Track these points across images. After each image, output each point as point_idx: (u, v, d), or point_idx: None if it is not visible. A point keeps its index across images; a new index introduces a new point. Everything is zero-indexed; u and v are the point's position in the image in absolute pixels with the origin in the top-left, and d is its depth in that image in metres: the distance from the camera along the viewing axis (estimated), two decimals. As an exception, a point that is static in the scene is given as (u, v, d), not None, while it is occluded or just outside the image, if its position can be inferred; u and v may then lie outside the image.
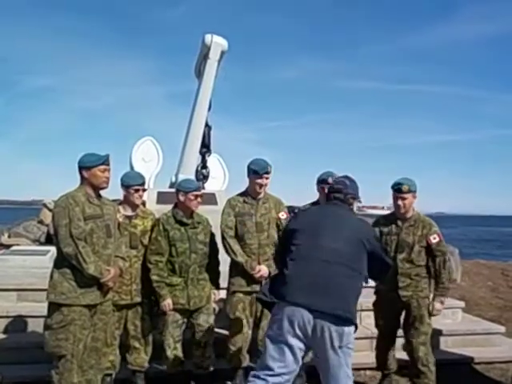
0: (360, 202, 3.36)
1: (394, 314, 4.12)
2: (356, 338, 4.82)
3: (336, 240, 2.93)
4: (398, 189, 3.98)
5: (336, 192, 3.21)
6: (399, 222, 4.06)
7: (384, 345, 4.27)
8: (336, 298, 2.78)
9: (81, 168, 3.51)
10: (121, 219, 3.92)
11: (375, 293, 4.25)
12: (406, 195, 3.96)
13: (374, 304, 4.30)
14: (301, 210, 3.48)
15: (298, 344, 2.80)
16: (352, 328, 2.85)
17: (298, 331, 2.77)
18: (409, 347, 4.09)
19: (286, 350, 2.79)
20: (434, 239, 4.01)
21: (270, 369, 2.80)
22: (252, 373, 2.90)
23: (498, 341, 5.42)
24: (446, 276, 4.03)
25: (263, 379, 2.81)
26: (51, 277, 3.47)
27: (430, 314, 4.03)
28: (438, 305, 4.02)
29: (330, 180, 4.21)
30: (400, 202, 3.99)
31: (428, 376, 3.98)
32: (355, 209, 3.32)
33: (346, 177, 3.31)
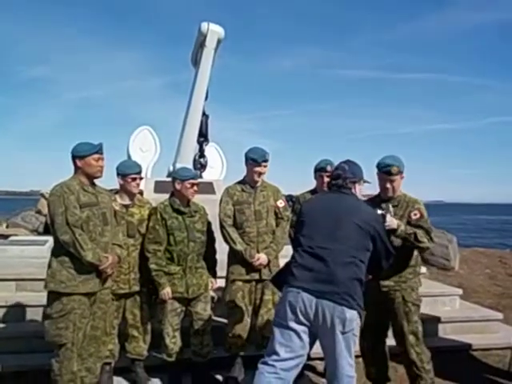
0: (367, 182, 3.29)
1: (375, 306, 3.66)
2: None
3: (338, 229, 2.92)
4: (386, 171, 3.63)
5: (335, 179, 3.16)
6: (383, 204, 3.68)
7: (368, 345, 3.87)
8: (338, 284, 2.80)
9: (74, 157, 3.50)
10: (117, 208, 3.91)
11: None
12: (394, 177, 3.64)
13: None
14: (304, 201, 3.35)
15: (302, 328, 2.83)
16: (355, 313, 2.83)
17: (300, 316, 2.81)
18: (400, 349, 3.74)
19: (292, 334, 2.83)
20: (415, 215, 3.63)
21: (277, 354, 2.84)
22: (261, 360, 2.92)
23: (495, 327, 5.45)
24: (422, 239, 3.55)
25: (271, 365, 2.85)
26: (49, 265, 3.47)
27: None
28: (392, 218, 3.52)
29: (329, 168, 4.21)
30: (388, 185, 3.66)
31: (424, 377, 3.67)
32: (358, 192, 3.19)
33: (346, 161, 3.24)
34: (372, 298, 3.64)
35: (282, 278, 3.03)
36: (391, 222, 3.49)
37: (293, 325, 2.83)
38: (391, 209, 3.58)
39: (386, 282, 3.66)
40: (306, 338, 2.85)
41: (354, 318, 2.82)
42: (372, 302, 3.65)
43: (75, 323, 3.40)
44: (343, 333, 2.79)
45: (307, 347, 2.89)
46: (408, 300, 3.66)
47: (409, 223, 3.61)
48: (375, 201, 3.76)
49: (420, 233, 3.56)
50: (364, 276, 2.96)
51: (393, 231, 3.51)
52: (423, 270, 5.84)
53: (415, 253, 3.74)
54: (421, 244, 3.57)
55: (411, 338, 3.65)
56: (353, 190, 3.15)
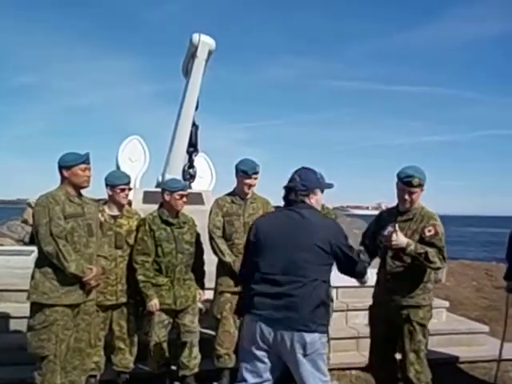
0: (329, 186, 3.07)
1: (383, 320, 3.62)
2: (342, 338, 4.97)
3: (297, 252, 2.77)
4: (407, 182, 3.44)
5: (287, 193, 2.95)
6: (398, 216, 3.57)
7: (376, 358, 3.77)
8: (297, 311, 2.70)
9: (61, 167, 3.47)
10: (105, 219, 3.89)
11: (372, 296, 3.84)
12: (415, 189, 3.45)
13: (369, 308, 3.89)
14: (258, 218, 3.18)
15: (263, 354, 2.79)
16: (316, 335, 2.73)
17: (260, 343, 2.76)
18: (401, 365, 3.64)
19: (255, 359, 2.79)
20: (429, 231, 3.44)
21: (245, 380, 2.81)
22: None
23: (482, 340, 5.48)
24: (433, 259, 3.40)
25: None
26: (33, 277, 3.43)
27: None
28: (401, 236, 3.39)
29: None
30: (407, 197, 3.47)
31: None
32: (316, 202, 2.95)
33: (298, 171, 2.99)
34: (381, 312, 3.63)
35: (243, 306, 2.94)
36: (399, 240, 3.37)
37: (255, 351, 2.78)
38: (397, 227, 3.40)
39: (395, 297, 3.53)
40: (269, 361, 2.80)
41: (315, 340, 2.73)
42: (381, 316, 3.63)
43: (58, 335, 3.35)
44: (305, 355, 2.72)
45: (275, 369, 2.84)
46: (413, 319, 3.50)
47: (422, 239, 3.45)
48: (392, 212, 3.67)
49: (432, 252, 3.39)
50: (323, 294, 2.80)
51: (402, 250, 3.41)
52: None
53: (428, 269, 3.55)
54: (432, 264, 3.43)
55: (412, 355, 3.52)
56: (308, 202, 2.92)
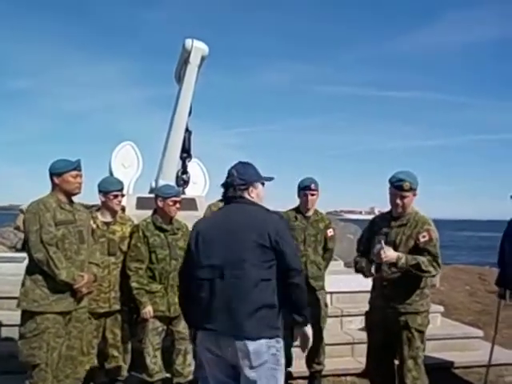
0: (268, 179, 2.83)
1: (381, 326, 3.58)
2: (337, 344, 4.95)
3: (235, 252, 2.53)
4: (398, 186, 3.44)
5: (226, 190, 2.73)
6: (392, 221, 3.55)
7: (373, 364, 3.73)
8: (238, 317, 2.47)
9: (52, 174, 3.46)
10: (98, 225, 3.87)
11: (368, 302, 3.80)
12: (406, 193, 3.44)
13: (365, 314, 3.84)
14: (196, 222, 2.87)
15: (218, 366, 2.58)
16: (260, 343, 2.46)
17: (209, 355, 2.57)
18: (398, 371, 3.59)
19: (211, 376, 2.59)
20: (424, 237, 3.42)
21: None
22: None
23: (476, 345, 5.48)
24: (426, 268, 3.38)
25: None
26: (23, 284, 3.41)
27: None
28: (389, 252, 3.37)
29: (313, 186, 4.23)
30: (399, 201, 3.45)
31: None
32: (256, 196, 2.72)
33: (235, 165, 2.77)
34: (378, 319, 3.60)
35: (189, 322, 2.81)
36: (388, 256, 3.36)
37: (208, 364, 2.59)
38: (383, 244, 3.39)
39: (392, 304, 3.48)
40: (226, 371, 2.58)
41: (260, 348, 2.46)
42: (378, 323, 3.60)
43: (49, 343, 3.32)
44: (252, 367, 2.46)
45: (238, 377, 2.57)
46: (412, 326, 3.46)
47: (416, 245, 3.44)
48: (385, 218, 3.66)
49: (425, 261, 3.37)
50: (274, 294, 2.54)
51: (393, 264, 3.39)
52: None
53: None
54: (425, 274, 3.41)
55: (410, 362, 3.48)
56: (248, 197, 2.69)
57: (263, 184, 2.80)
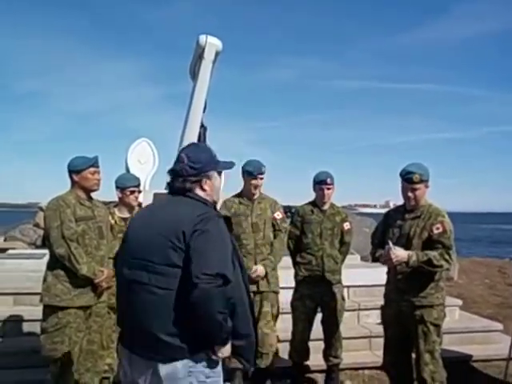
0: (228, 167, 2.33)
1: (397, 321, 3.57)
2: (354, 338, 4.95)
3: (148, 253, 2.05)
4: (408, 178, 3.42)
5: (173, 179, 2.21)
6: (406, 214, 3.54)
7: (390, 358, 3.71)
8: (146, 332, 2.00)
9: (71, 171, 3.51)
10: (116, 221, 3.92)
11: (384, 295, 3.77)
12: (417, 186, 3.41)
13: (381, 308, 3.82)
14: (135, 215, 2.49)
15: None
16: (175, 365, 1.96)
17: (130, 374, 2.11)
18: (415, 365, 3.56)
19: None
20: (437, 229, 3.38)
21: None
22: None
23: (496, 338, 5.42)
24: (438, 263, 3.34)
25: None
26: (45, 279, 3.47)
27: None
28: (399, 252, 3.35)
29: (329, 180, 4.22)
30: (410, 194, 3.43)
31: None
32: (211, 189, 2.20)
33: (185, 148, 2.26)
34: (393, 313, 3.59)
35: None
36: (398, 256, 3.34)
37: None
38: (391, 244, 3.36)
39: (406, 297, 3.47)
40: None
41: (175, 373, 1.96)
42: (394, 317, 3.59)
43: (71, 337, 3.38)
44: None
45: None
46: (427, 320, 3.43)
47: (430, 236, 3.42)
48: (399, 211, 3.64)
49: (436, 256, 3.33)
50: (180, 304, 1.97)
51: (405, 263, 3.37)
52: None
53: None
54: (438, 268, 3.39)
55: (427, 356, 3.46)
56: (199, 191, 2.17)
57: (220, 173, 2.29)
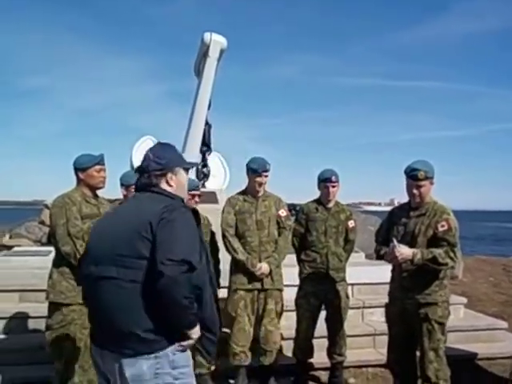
0: (190, 166, 2.40)
1: (401, 319, 3.57)
2: (358, 335, 4.95)
3: (114, 248, 2.06)
4: (413, 175, 3.42)
5: (140, 176, 2.26)
6: (410, 211, 3.53)
7: (394, 356, 3.70)
8: (110, 323, 2.02)
9: (76, 169, 3.52)
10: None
11: (388, 294, 3.78)
12: (422, 183, 3.40)
13: (385, 306, 3.82)
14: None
15: None
16: (141, 364, 1.96)
17: (102, 371, 2.12)
18: (420, 363, 3.57)
19: None
20: (442, 227, 3.39)
21: None
22: None
23: (501, 336, 5.42)
24: (443, 261, 3.35)
25: None
26: (50, 276, 3.49)
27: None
28: (404, 249, 3.35)
29: (334, 178, 4.21)
30: (415, 191, 3.42)
31: None
32: (177, 184, 2.25)
33: (152, 148, 2.31)
34: (398, 310, 3.59)
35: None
36: (403, 254, 3.34)
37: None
38: (396, 242, 3.36)
39: (411, 295, 3.47)
40: None
41: (141, 374, 1.96)
42: (398, 315, 3.59)
43: (76, 334, 3.40)
44: None
45: None
46: (432, 318, 3.44)
47: (435, 234, 3.42)
48: (404, 208, 3.64)
49: (441, 254, 3.34)
50: (146, 300, 1.98)
51: (410, 261, 3.37)
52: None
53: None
54: (443, 266, 3.39)
55: (431, 354, 3.46)
56: (165, 186, 2.22)
57: (187, 170, 2.35)
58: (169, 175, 2.23)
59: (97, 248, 2.15)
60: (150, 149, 2.29)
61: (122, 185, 4.03)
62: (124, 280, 2.00)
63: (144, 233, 2.00)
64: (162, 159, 2.23)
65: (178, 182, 2.26)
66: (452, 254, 3.37)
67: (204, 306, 2.09)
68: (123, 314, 1.99)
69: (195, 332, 2.06)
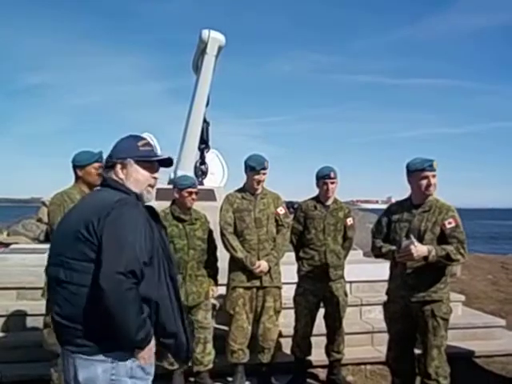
0: (166, 161, 2.19)
1: (402, 317, 3.57)
2: (356, 333, 4.96)
3: (61, 245, 1.98)
4: (429, 166, 3.40)
5: (105, 169, 2.14)
6: (413, 208, 3.53)
7: (394, 354, 3.69)
8: (65, 330, 1.92)
9: (75, 166, 3.51)
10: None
11: (386, 292, 3.76)
12: (436, 173, 3.44)
13: (384, 304, 3.79)
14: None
15: None
16: (95, 367, 1.87)
17: (65, 372, 2.03)
18: (421, 359, 3.56)
19: None
20: (450, 224, 3.41)
21: None
22: None
23: (498, 334, 5.42)
24: (455, 257, 3.36)
25: None
26: None
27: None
28: (420, 247, 3.31)
29: (332, 175, 4.20)
30: (433, 180, 3.42)
31: None
32: (125, 175, 2.07)
33: (121, 140, 2.17)
34: (400, 308, 3.57)
35: None
36: (419, 251, 3.30)
37: None
38: (413, 239, 3.32)
39: (416, 293, 3.45)
40: None
41: (95, 379, 1.87)
42: (399, 313, 3.58)
43: None
44: None
45: None
46: (437, 314, 3.45)
47: (442, 232, 3.43)
48: (404, 205, 3.61)
49: (453, 250, 3.36)
50: (88, 300, 1.86)
51: (424, 259, 3.34)
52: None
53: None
54: (455, 262, 3.42)
55: (435, 351, 3.46)
56: (114, 176, 2.08)
57: (147, 167, 2.12)
58: (117, 167, 2.07)
59: (52, 247, 2.07)
60: (117, 143, 2.16)
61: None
62: (72, 283, 1.89)
63: (86, 234, 1.88)
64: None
65: (127, 175, 2.07)
66: (462, 251, 3.40)
67: (163, 316, 1.95)
68: (75, 318, 1.88)
69: (147, 354, 1.93)
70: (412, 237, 3.36)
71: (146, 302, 1.88)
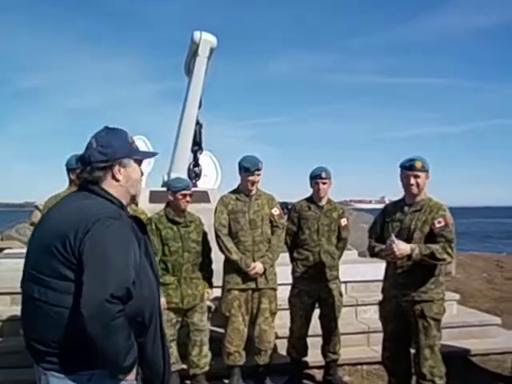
0: (149, 155, 2.15)
1: (396, 316, 3.58)
2: (352, 333, 4.96)
3: (32, 260, 1.81)
4: (410, 165, 3.46)
5: (82, 169, 1.90)
6: (405, 208, 3.55)
7: (389, 353, 3.71)
8: (42, 351, 1.75)
9: (68, 170, 3.49)
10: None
11: (381, 291, 3.78)
12: (419, 173, 3.45)
13: (379, 304, 3.84)
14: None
15: None
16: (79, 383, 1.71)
17: None
18: (415, 360, 3.56)
19: None
20: (439, 223, 3.41)
21: None
22: None
23: (494, 332, 5.43)
24: (441, 256, 3.35)
25: None
26: None
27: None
28: (402, 245, 3.34)
29: (324, 175, 4.21)
30: (413, 181, 3.45)
31: None
32: (124, 177, 1.87)
33: (97, 133, 1.91)
34: (393, 308, 3.58)
35: None
36: (401, 249, 3.33)
37: None
38: (394, 237, 3.35)
39: (406, 292, 3.47)
40: None
41: None
42: (393, 312, 3.59)
43: None
44: None
45: None
46: (427, 315, 3.44)
47: (431, 231, 3.43)
48: (398, 205, 3.64)
49: (439, 249, 3.35)
50: (65, 319, 1.69)
51: (407, 257, 3.36)
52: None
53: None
54: (440, 262, 3.40)
55: (427, 351, 3.46)
56: (110, 180, 1.86)
57: (140, 162, 1.96)
58: (116, 168, 1.85)
59: (26, 260, 1.85)
60: (94, 135, 1.89)
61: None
62: (46, 303, 1.70)
63: (62, 250, 1.68)
64: (107, 148, 1.83)
65: (127, 177, 1.87)
66: (449, 250, 3.38)
67: (147, 338, 1.80)
68: (49, 345, 1.71)
69: (130, 376, 1.77)
70: (393, 236, 3.39)
71: (132, 323, 1.71)
